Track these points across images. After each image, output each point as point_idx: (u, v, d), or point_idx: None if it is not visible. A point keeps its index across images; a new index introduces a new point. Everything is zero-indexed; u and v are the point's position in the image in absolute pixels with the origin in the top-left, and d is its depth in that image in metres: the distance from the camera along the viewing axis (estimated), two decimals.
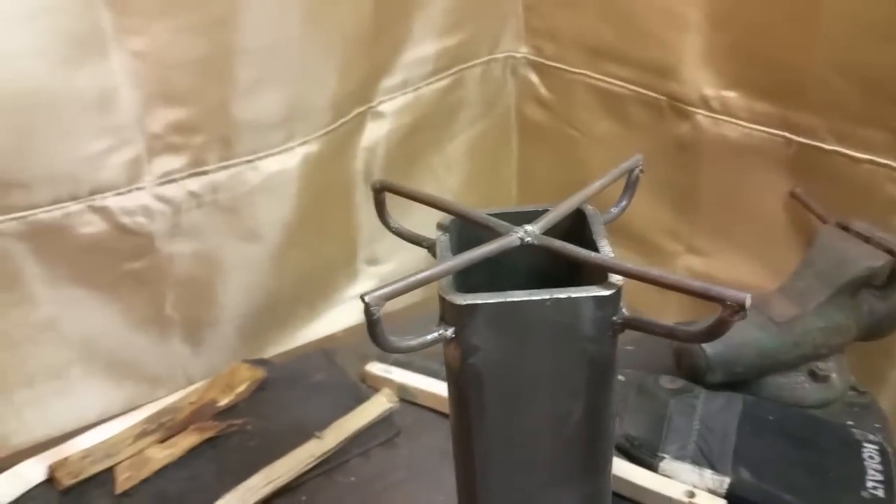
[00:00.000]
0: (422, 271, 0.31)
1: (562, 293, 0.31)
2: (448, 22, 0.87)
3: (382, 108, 0.86)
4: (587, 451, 0.35)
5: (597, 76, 0.89)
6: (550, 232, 0.34)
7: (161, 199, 0.72)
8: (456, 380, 0.34)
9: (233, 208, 0.77)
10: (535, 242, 0.33)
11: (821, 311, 0.66)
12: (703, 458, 0.60)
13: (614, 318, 0.32)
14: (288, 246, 0.82)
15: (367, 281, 0.93)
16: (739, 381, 0.67)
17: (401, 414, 0.69)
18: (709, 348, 0.65)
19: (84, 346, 0.74)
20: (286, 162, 0.78)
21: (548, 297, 0.31)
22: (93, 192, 0.68)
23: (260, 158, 0.76)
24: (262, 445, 0.66)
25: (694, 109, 0.81)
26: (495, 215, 0.36)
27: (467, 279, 0.33)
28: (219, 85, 0.71)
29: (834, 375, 0.67)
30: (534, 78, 0.96)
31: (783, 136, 0.77)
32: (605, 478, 0.37)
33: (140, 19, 0.65)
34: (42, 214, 0.66)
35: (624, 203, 0.39)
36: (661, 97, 0.84)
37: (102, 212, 0.69)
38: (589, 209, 0.37)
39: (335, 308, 0.91)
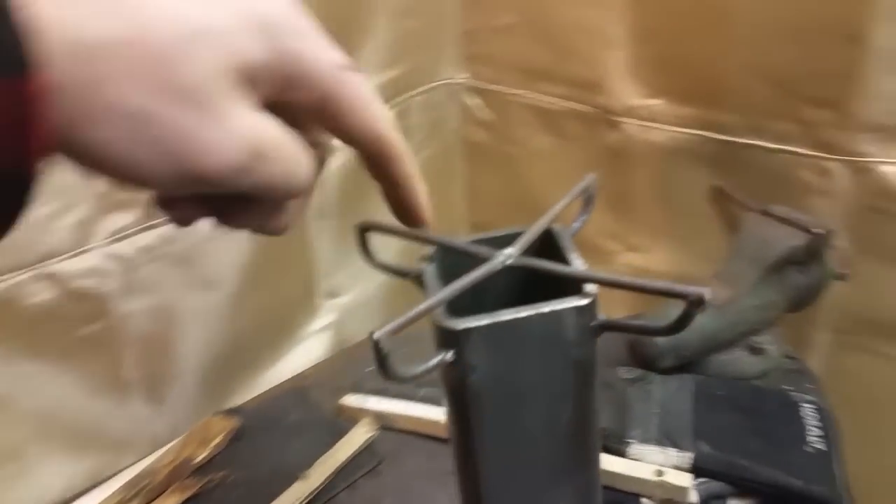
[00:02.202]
0: (422, 303, 0.35)
1: (545, 307, 0.36)
2: (391, 54, 0.91)
3: (333, 142, 0.90)
4: (578, 446, 0.40)
5: (532, 95, 0.94)
6: (526, 252, 0.39)
7: (112, 257, 0.70)
8: (456, 399, 0.38)
9: (187, 258, 0.76)
10: (518, 264, 0.38)
11: (753, 291, 0.73)
12: (666, 439, 0.66)
13: (593, 323, 0.37)
14: (245, 290, 0.82)
15: (327, 315, 0.95)
16: (688, 363, 0.73)
17: (381, 441, 0.70)
18: (659, 338, 0.71)
19: (40, 422, 0.70)
20: None
21: (534, 312, 0.35)
22: (40, 260, 0.66)
23: None
24: (246, 495, 0.65)
25: (623, 119, 0.88)
26: (474, 242, 0.41)
27: (452, 306, 0.37)
28: None
29: (769, 347, 0.74)
30: (474, 101, 1.01)
31: (705, 136, 0.84)
32: (596, 468, 0.42)
33: None
34: None
35: (584, 217, 0.44)
36: (593, 110, 0.90)
37: (52, 278, 0.67)
38: (556, 227, 0.42)
39: (299, 346, 0.92)
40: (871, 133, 0.73)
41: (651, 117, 0.86)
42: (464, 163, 1.05)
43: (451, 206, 1.06)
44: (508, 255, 0.38)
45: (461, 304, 0.36)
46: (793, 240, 0.72)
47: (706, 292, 0.33)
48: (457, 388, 0.37)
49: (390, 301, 1.00)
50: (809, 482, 0.60)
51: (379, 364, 0.33)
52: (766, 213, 0.76)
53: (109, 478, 0.71)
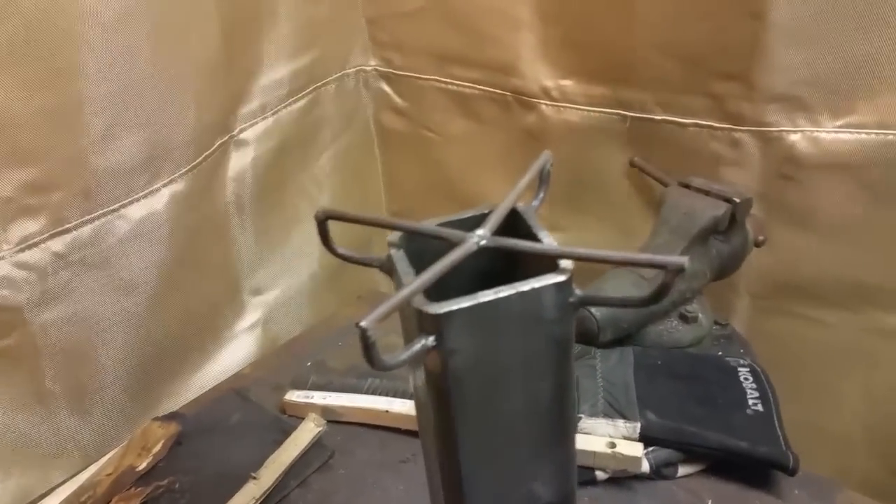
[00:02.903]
0: (402, 289, 0.33)
1: (525, 286, 0.35)
2: (297, 43, 0.89)
3: (244, 135, 0.86)
4: (557, 422, 0.39)
5: (445, 80, 0.94)
6: (495, 233, 0.38)
7: (23, 266, 0.68)
8: (436, 383, 0.36)
9: (103, 262, 0.74)
10: (491, 245, 0.37)
11: None
12: (614, 410, 0.67)
13: (571, 299, 0.36)
14: (167, 291, 0.80)
15: (254, 312, 0.93)
16: (626, 336, 0.75)
17: (330, 435, 0.70)
18: (597, 312, 0.72)
19: None
20: (153, 205, 0.76)
21: (514, 291, 0.35)
22: None
23: (124, 206, 0.74)
24: (195, 501, 0.64)
25: (537, 101, 0.89)
26: (439, 225, 0.39)
27: (429, 291, 0.36)
28: (70, 137, 0.68)
29: (700, 315, 0.76)
30: (386, 88, 0.99)
31: (618, 114, 0.86)
32: (573, 442, 0.41)
33: None
34: None
35: (541, 195, 0.44)
36: (507, 93, 0.90)
37: None
38: (521, 206, 0.41)
39: (228, 345, 0.90)
40: (776, 103, 0.76)
41: (564, 98, 0.87)
42: (380, 150, 1.05)
43: (368, 194, 1.05)
44: (482, 236, 0.37)
45: (432, 291, 0.35)
46: (715, 210, 0.75)
47: (686, 261, 0.33)
48: (437, 373, 0.36)
49: (317, 295, 0.98)
50: (755, 443, 0.62)
51: (365, 353, 0.31)
52: (686, 186, 0.78)
53: (43, 496, 0.67)
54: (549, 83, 0.88)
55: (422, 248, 0.39)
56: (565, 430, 0.40)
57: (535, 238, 0.39)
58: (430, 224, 0.39)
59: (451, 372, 0.36)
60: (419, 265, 0.36)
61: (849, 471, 0.84)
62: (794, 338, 0.85)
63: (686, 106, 0.82)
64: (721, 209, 0.74)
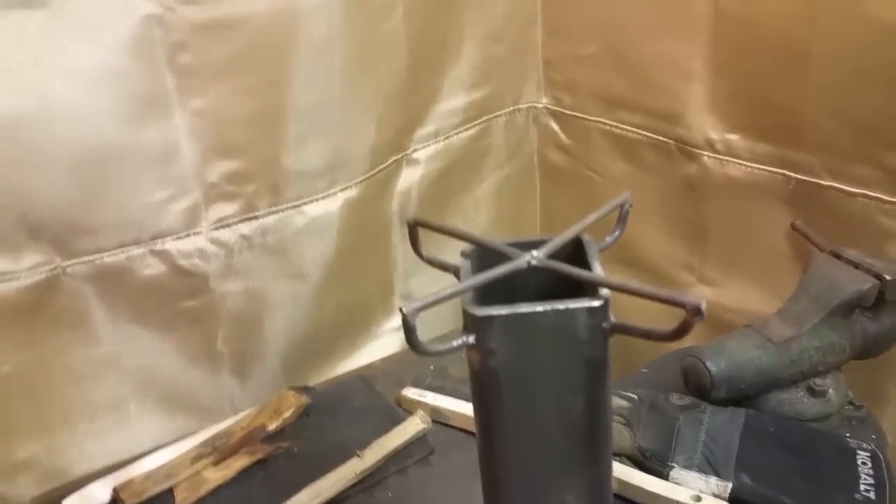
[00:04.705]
0: (448, 288, 0.39)
1: (560, 304, 0.39)
2: (475, 77, 0.96)
3: (416, 155, 0.95)
4: (588, 440, 0.42)
5: (611, 123, 0.97)
6: (554, 256, 0.42)
7: (216, 242, 0.78)
8: (477, 378, 0.41)
9: (280, 249, 0.83)
10: (539, 265, 0.41)
11: (815, 332, 0.72)
12: (709, 466, 0.66)
13: (604, 324, 0.39)
14: (330, 283, 0.89)
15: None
16: (742, 397, 0.73)
17: (434, 434, 0.75)
18: (713, 367, 0.71)
19: (141, 381, 0.79)
20: (329, 206, 0.86)
21: (549, 308, 0.39)
22: (154, 237, 0.74)
23: (305, 203, 0.84)
24: (307, 465, 0.71)
25: (700, 151, 0.89)
26: (510, 244, 0.44)
27: (489, 299, 0.41)
28: (270, 138, 0.79)
29: (831, 391, 0.73)
30: (554, 126, 1.04)
31: (783, 174, 0.84)
32: (606, 465, 0.44)
33: (200, 82, 0.72)
34: (107, 258, 0.72)
35: (617, 233, 0.47)
36: (670, 141, 0.91)
37: (162, 255, 0.75)
38: (585, 237, 0.45)
39: (373, 341, 0.98)
40: None
41: (728, 152, 0.87)
42: (541, 183, 1.09)
43: (525, 223, 1.10)
44: (534, 256, 0.42)
45: (494, 300, 0.40)
46: (860, 284, 0.71)
47: (702, 303, 0.35)
48: (477, 370, 0.40)
49: (459, 307, 1.04)
50: None
51: (406, 336, 0.37)
52: (836, 256, 0.75)
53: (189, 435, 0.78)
54: (714, 135, 0.88)
55: (493, 262, 0.44)
56: (597, 448, 0.43)
57: (588, 268, 0.42)
58: (497, 241, 0.44)
59: (489, 370, 0.40)
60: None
61: None
62: None
63: (855, 175, 0.78)
64: (867, 284, 0.70)
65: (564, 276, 0.41)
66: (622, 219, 0.47)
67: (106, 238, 0.72)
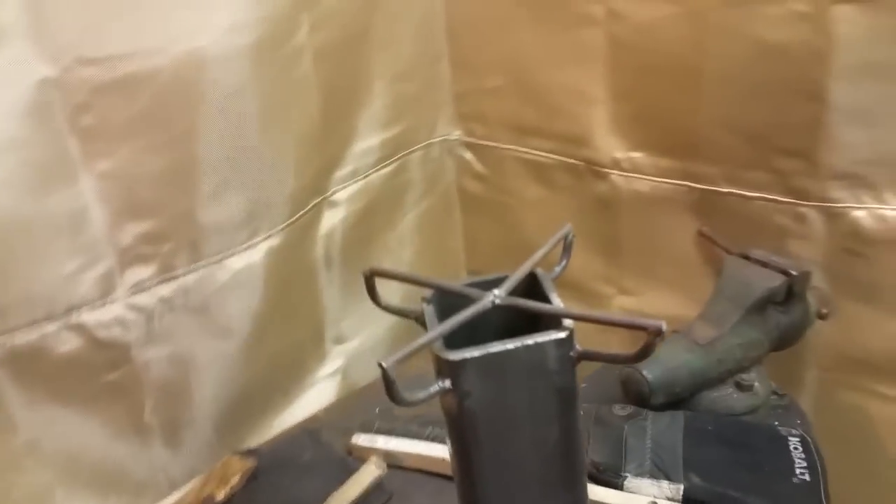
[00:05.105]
0: (423, 337, 0.40)
1: (529, 340, 0.40)
2: (388, 115, 0.98)
3: (336, 197, 0.95)
4: (565, 465, 0.44)
5: (523, 150, 1.01)
6: (512, 293, 0.44)
7: (134, 308, 0.75)
8: (454, 422, 0.42)
9: (203, 308, 0.81)
10: (504, 303, 0.43)
11: (736, 330, 0.77)
12: (659, 471, 0.69)
13: (571, 353, 0.41)
14: (258, 337, 0.86)
15: (336, 360, 0.99)
16: (678, 399, 0.77)
17: (390, 478, 0.74)
18: (649, 375, 0.75)
19: (66, 465, 0.74)
20: (251, 257, 0.84)
21: (520, 344, 0.40)
22: (68, 310, 0.70)
23: (226, 257, 0.81)
24: None
25: (608, 170, 0.94)
26: (468, 285, 0.45)
27: (453, 340, 0.42)
28: (183, 194, 0.76)
29: (757, 384, 0.78)
30: (469, 156, 1.07)
31: (686, 185, 0.89)
32: (582, 487, 0.46)
33: (106, 143, 0.69)
34: (18, 338, 0.68)
35: (564, 262, 0.49)
36: (580, 162, 0.96)
37: (78, 328, 0.71)
38: (539, 271, 0.47)
39: (309, 390, 0.96)
40: (839, 180, 0.78)
41: (634, 169, 0.92)
42: (461, 213, 1.12)
43: (448, 253, 1.11)
44: (496, 295, 0.43)
45: (458, 340, 0.41)
46: (771, 281, 0.77)
47: (663, 325, 0.38)
48: (454, 413, 0.41)
49: (395, 345, 1.04)
50: None
51: (387, 389, 0.38)
52: (745, 257, 0.81)
53: None
54: (619, 155, 0.93)
55: (453, 304, 0.45)
56: (573, 473, 0.45)
57: (547, 300, 0.44)
58: (457, 284, 0.46)
59: (466, 412, 0.41)
60: (446, 319, 0.43)
61: None
62: (863, 412, 0.84)
63: (751, 180, 0.84)
64: (777, 281, 0.76)
65: (525, 310, 0.43)
66: (567, 249, 0.49)
67: (15, 316, 0.68)
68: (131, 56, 0.69)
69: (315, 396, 0.96)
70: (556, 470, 0.44)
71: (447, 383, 0.40)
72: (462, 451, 0.43)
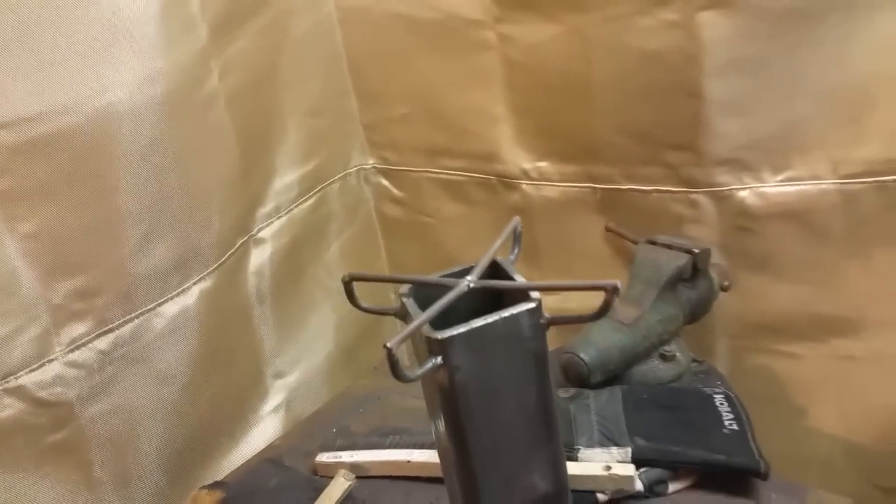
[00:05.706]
0: (417, 319, 0.44)
1: (505, 312, 0.46)
2: (304, 151, 1.02)
3: (262, 234, 0.97)
4: (544, 422, 0.49)
5: (436, 171, 1.07)
6: (481, 278, 0.49)
7: (73, 365, 0.75)
8: (447, 395, 0.47)
9: (143, 357, 0.81)
10: (478, 286, 0.48)
11: (654, 308, 0.85)
12: (607, 440, 0.75)
13: (541, 320, 0.47)
14: (200, 380, 0.87)
15: (277, 394, 1.01)
16: (613, 376, 0.84)
17: (359, 489, 0.76)
18: (586, 357, 0.82)
19: None
20: (185, 302, 0.85)
21: (498, 317, 0.45)
22: (6, 376, 0.70)
23: (160, 304, 0.82)
24: None
25: (518, 181, 1.01)
26: (443, 276, 0.50)
27: (432, 325, 0.46)
28: (111, 247, 0.77)
29: (678, 355, 0.86)
30: (385, 182, 1.12)
31: (590, 187, 0.98)
32: (559, 440, 0.51)
33: (27, 204, 0.70)
34: None
35: (517, 250, 0.55)
36: (491, 177, 1.03)
37: (18, 391, 0.71)
38: (500, 259, 0.52)
39: (254, 428, 0.97)
40: (722, 166, 0.88)
41: (542, 177, 1.00)
42: (383, 237, 1.17)
43: None
44: (470, 280, 0.48)
45: (437, 324, 0.46)
46: (678, 260, 0.86)
47: (618, 283, 0.44)
48: (446, 387, 0.46)
49: (333, 374, 1.07)
50: (731, 456, 0.71)
51: (391, 368, 0.42)
52: (652, 243, 0.90)
53: None
54: (527, 166, 1.00)
55: (427, 296, 0.50)
56: (551, 429, 0.50)
57: (511, 280, 0.50)
58: (432, 276, 0.51)
59: (457, 385, 0.46)
60: (425, 308, 0.47)
61: (837, 492, 0.91)
62: (771, 372, 0.94)
63: (646, 175, 0.94)
64: (683, 260, 0.85)
65: (494, 290, 0.48)
66: (517, 238, 0.55)
67: None
68: (41, 117, 0.69)
69: (260, 433, 0.98)
70: (538, 428, 0.49)
71: (439, 360, 0.45)
72: (455, 421, 0.47)
